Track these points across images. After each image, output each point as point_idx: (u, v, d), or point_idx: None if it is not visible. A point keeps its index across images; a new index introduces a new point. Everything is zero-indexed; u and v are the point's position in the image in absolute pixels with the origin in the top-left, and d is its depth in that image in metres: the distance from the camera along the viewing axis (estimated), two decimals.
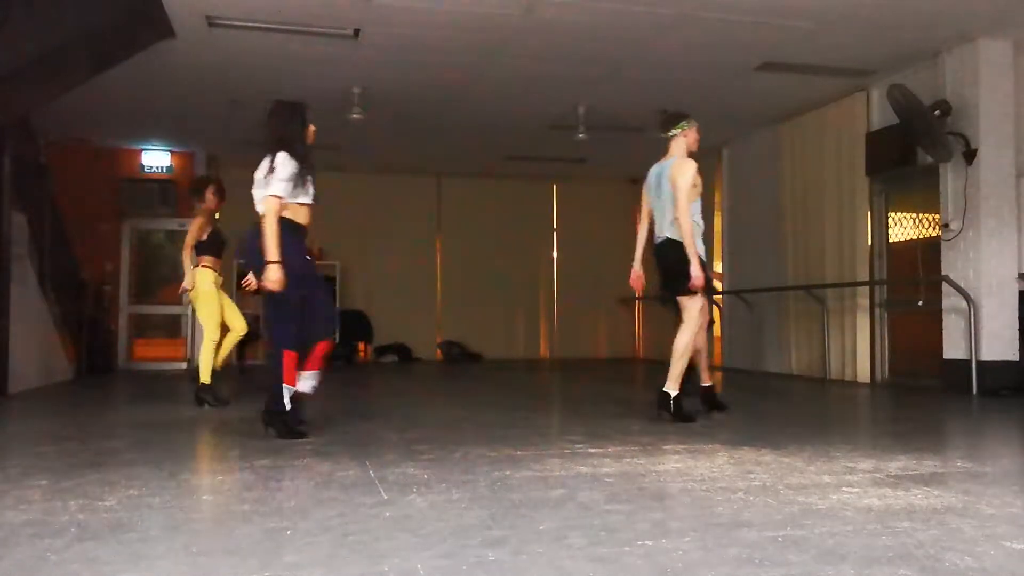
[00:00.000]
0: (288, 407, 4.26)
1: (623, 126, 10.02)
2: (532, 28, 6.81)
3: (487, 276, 13.16)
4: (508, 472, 3.37)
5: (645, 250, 5.35)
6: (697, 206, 5.09)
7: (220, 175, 6.50)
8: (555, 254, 13.82)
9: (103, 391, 7.91)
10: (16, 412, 6.02)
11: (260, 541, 2.42)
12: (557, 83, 8.31)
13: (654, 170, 5.23)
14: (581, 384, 8.65)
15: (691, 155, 5.15)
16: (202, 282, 6.03)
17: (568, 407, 6.54)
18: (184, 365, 10.88)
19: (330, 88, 8.28)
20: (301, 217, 4.34)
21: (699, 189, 5.09)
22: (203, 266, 6.07)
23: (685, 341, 4.96)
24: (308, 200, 4.35)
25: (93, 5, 6.67)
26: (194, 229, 6.10)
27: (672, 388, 4.96)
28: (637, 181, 14.05)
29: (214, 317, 6.00)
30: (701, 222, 5.12)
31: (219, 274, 6.20)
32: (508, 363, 12.30)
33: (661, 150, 5.27)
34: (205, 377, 5.91)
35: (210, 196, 6.18)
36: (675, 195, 4.98)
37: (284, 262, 4.15)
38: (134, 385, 8.53)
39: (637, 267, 5.38)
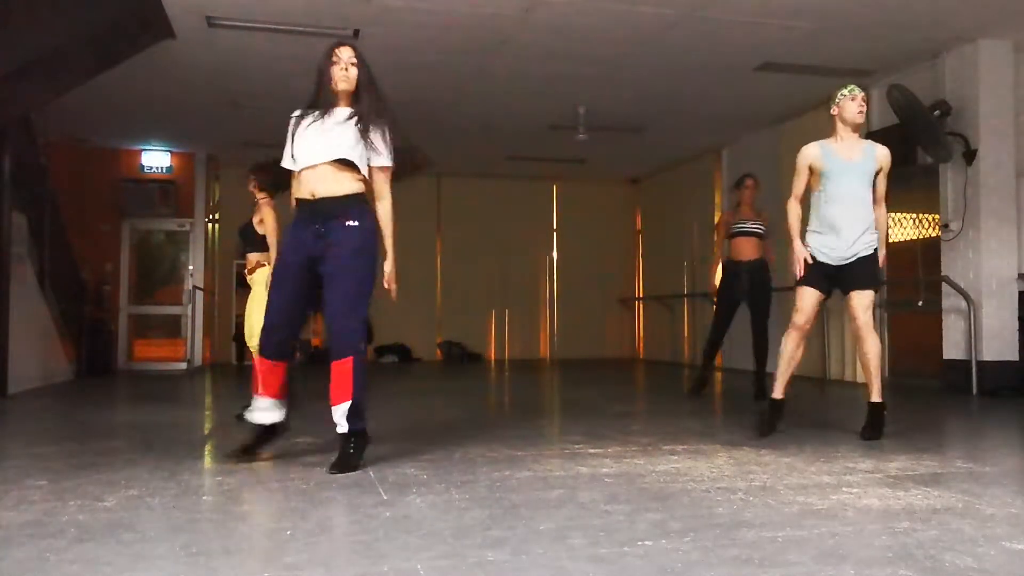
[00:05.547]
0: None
1: (623, 126, 10.01)
2: (532, 28, 6.81)
3: (487, 276, 13.18)
4: (508, 472, 3.37)
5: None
6: (815, 195, 4.60)
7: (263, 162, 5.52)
8: (555, 254, 13.82)
9: (103, 391, 7.90)
10: (16, 412, 6.02)
11: (260, 541, 2.43)
12: (557, 83, 8.31)
13: None
14: (581, 384, 8.64)
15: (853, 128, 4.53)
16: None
17: (568, 407, 6.54)
18: (184, 365, 10.87)
19: None
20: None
21: (810, 176, 4.57)
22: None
23: (782, 342, 4.71)
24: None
25: (93, 5, 6.67)
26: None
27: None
28: (637, 181, 14.14)
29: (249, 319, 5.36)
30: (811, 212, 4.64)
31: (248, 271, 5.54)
32: (508, 363, 12.29)
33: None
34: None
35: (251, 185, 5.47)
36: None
37: None
38: (134, 385, 8.53)
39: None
